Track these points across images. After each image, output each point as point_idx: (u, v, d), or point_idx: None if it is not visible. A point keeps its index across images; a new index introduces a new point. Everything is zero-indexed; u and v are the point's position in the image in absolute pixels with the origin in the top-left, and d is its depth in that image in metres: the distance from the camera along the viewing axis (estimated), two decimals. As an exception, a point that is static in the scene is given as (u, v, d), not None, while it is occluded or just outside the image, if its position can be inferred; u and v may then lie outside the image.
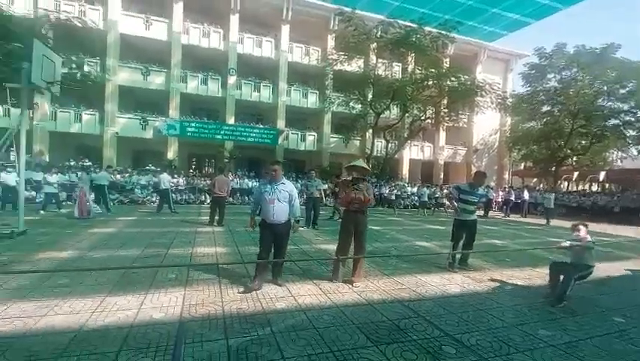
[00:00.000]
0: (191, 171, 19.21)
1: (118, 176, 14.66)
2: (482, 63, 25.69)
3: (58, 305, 3.29)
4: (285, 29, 21.00)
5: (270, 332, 2.91)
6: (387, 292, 4.15)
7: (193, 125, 19.55)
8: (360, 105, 19.95)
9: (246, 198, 16.33)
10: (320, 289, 4.13)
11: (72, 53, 12.30)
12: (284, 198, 4.15)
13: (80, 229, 7.76)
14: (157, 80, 19.10)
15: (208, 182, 13.23)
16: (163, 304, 3.42)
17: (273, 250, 4.26)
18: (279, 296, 3.81)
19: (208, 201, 14.32)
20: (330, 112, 21.46)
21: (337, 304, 3.63)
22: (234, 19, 19.89)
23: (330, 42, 21.57)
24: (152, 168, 16.73)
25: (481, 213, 14.97)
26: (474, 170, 25.62)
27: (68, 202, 12.35)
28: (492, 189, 19.25)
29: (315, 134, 22.51)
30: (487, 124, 25.28)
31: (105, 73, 17.05)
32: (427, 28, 17.20)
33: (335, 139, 22.68)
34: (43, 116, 16.65)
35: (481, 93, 18.43)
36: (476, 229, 5.62)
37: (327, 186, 8.74)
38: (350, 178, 4.84)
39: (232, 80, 20.05)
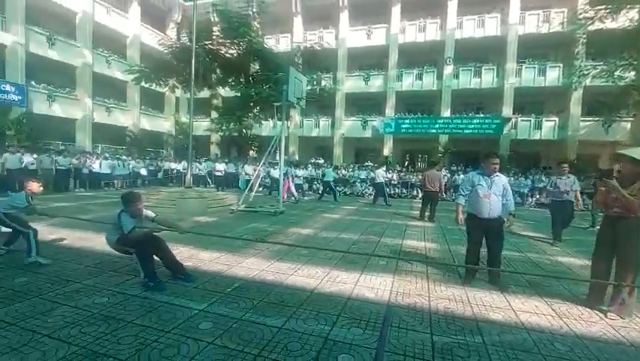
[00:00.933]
0: (399, 167, 19.86)
1: (343, 171, 17.19)
2: None
3: (300, 269, 4.22)
4: (516, -3, 18.04)
5: (480, 342, 2.59)
6: (675, 339, 2.80)
7: (407, 121, 20.18)
8: (632, 72, 14.31)
9: (461, 194, 15.32)
10: (552, 309, 3.29)
11: (313, 72, 15.45)
12: (499, 192, 3.84)
13: (316, 213, 9.67)
14: (376, 84, 20.97)
15: (420, 177, 13.30)
16: (374, 286, 3.73)
17: (487, 249, 3.95)
18: (495, 306, 3.32)
19: (420, 196, 14.42)
20: (582, 88, 16.59)
21: (578, 335, 2.78)
22: (452, 5, 18.94)
23: (582, -3, 16.67)
24: (370, 163, 18.56)
25: None
26: None
27: (309, 192, 15.63)
28: None
29: (557, 119, 18.12)
30: None
31: (336, 84, 20.35)
32: None
33: (588, 123, 17.48)
34: (295, 125, 21.78)
35: None
36: None
37: (578, 186, 6.47)
38: (605, 170, 3.57)
39: (449, 69, 19.21)
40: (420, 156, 22.55)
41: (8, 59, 15.09)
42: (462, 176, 15.73)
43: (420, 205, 9.47)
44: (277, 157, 9.79)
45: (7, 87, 14.60)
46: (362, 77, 21.13)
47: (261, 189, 14.00)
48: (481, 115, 19.48)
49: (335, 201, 12.69)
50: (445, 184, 13.03)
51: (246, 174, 15.14)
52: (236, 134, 15.49)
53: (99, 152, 16.66)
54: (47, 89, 16.65)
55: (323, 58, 15.54)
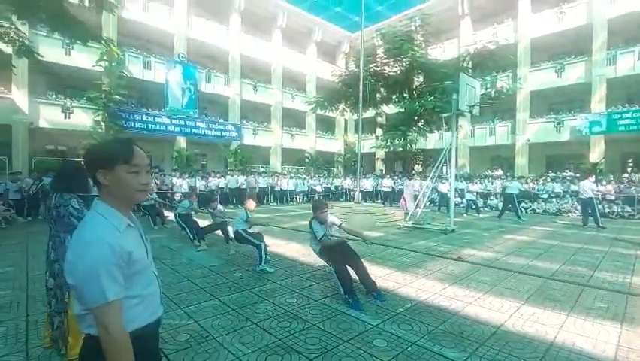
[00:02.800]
0: (625, 175, 14.92)
1: (530, 183, 14.36)
2: None
3: (480, 298, 3.68)
4: None
5: None
6: None
7: (629, 115, 15.10)
8: None
9: None
10: None
11: (486, 74, 13.76)
12: None
13: (496, 233, 8.37)
14: (573, 75, 16.82)
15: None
16: (590, 335, 2.83)
17: None
18: None
19: (657, 215, 10.45)
20: None
21: None
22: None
23: None
24: (570, 174, 14.83)
25: None
26: None
27: (485, 208, 13.80)
28: None
29: None
30: None
31: (516, 83, 17.45)
32: None
33: None
34: (465, 135, 19.88)
35: None
36: None
37: None
38: None
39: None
40: (652, 160, 16.45)
41: (230, 106, 20.34)
42: None
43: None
44: (445, 171, 9.14)
45: (229, 127, 19.71)
46: (553, 68, 17.38)
47: (429, 204, 13.41)
48: None
49: (519, 220, 10.71)
50: None
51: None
52: (400, 149, 15.49)
53: (286, 172, 20.04)
54: (253, 125, 21.43)
55: (498, 57, 13.70)
